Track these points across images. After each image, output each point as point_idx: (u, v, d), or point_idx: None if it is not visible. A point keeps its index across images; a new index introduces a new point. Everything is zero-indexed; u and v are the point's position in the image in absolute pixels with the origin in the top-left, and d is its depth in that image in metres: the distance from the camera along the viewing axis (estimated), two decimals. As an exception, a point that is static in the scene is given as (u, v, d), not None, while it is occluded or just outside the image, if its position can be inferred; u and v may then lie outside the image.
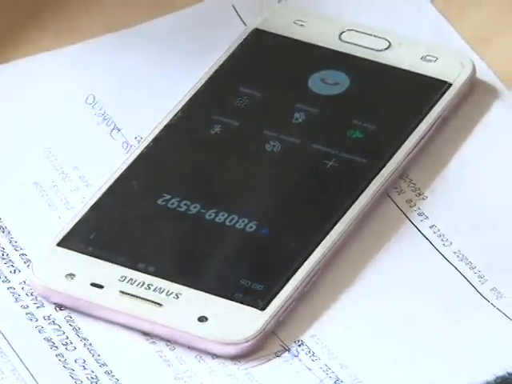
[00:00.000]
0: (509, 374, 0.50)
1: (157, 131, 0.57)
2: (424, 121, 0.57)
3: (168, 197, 0.53)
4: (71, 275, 0.51)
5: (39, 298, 0.51)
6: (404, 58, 0.62)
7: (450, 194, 0.57)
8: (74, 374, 0.50)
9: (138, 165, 0.57)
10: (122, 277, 0.50)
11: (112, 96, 0.63)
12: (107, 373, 0.50)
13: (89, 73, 0.64)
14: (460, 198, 0.57)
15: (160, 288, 0.50)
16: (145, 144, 0.57)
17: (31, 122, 0.62)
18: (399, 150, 0.55)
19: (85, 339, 0.50)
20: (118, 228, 0.54)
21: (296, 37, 0.62)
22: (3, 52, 0.68)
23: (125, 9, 0.70)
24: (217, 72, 0.61)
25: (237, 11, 0.67)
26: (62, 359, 0.49)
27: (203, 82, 0.60)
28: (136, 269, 0.50)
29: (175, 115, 0.58)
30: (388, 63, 0.61)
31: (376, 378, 0.49)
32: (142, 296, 0.49)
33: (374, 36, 0.63)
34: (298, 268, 0.50)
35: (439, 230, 0.55)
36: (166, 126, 0.58)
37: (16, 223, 0.56)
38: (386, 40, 0.62)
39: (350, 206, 0.53)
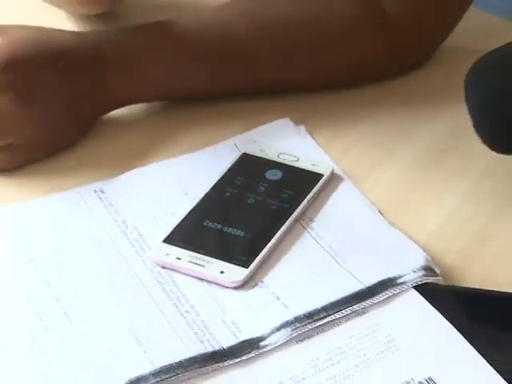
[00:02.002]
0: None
1: (204, 192, 0.79)
2: (312, 191, 0.80)
3: (207, 221, 0.77)
4: (168, 254, 0.74)
5: (155, 266, 0.74)
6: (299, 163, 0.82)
7: (326, 222, 0.78)
8: (171, 299, 0.72)
9: (195, 208, 0.78)
10: (188, 255, 0.74)
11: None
12: (189, 305, 0.71)
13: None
14: (330, 224, 0.78)
15: (204, 259, 0.74)
16: (197, 201, 0.79)
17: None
18: (303, 202, 0.78)
19: (176, 284, 0.73)
20: (187, 234, 0.76)
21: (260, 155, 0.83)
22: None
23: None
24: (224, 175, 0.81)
25: (237, 147, 0.84)
26: (167, 293, 0.72)
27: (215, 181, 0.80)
28: (194, 251, 0.74)
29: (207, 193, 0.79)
30: (298, 166, 0.82)
31: (295, 297, 0.71)
32: (196, 262, 0.73)
33: (289, 154, 0.83)
34: (259, 252, 0.74)
35: (319, 235, 0.77)
36: (203, 197, 0.79)
37: (144, 227, 0.77)
38: (295, 156, 0.83)
39: (285, 222, 0.76)
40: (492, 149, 0.69)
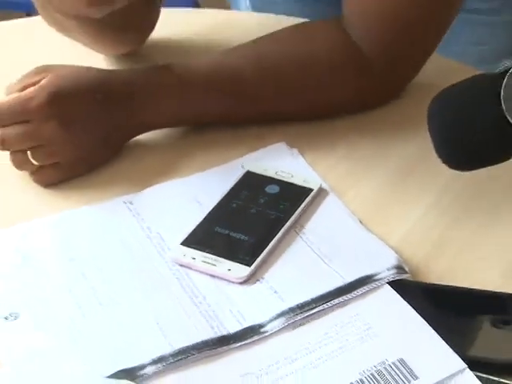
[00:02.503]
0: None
1: (215, 203, 0.79)
2: (304, 203, 0.78)
3: (217, 227, 0.77)
4: (184, 255, 0.73)
5: (174, 264, 0.74)
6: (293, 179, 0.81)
7: (315, 228, 0.78)
8: (187, 292, 0.71)
9: (208, 217, 0.78)
10: (202, 255, 0.73)
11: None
12: (202, 297, 0.71)
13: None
14: (318, 230, 0.77)
15: (214, 259, 0.73)
16: (209, 210, 0.78)
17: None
18: (296, 212, 0.77)
19: (191, 279, 0.72)
20: (200, 238, 0.76)
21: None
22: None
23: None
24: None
25: (242, 166, 0.83)
26: (183, 287, 0.72)
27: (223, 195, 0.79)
28: (206, 252, 0.74)
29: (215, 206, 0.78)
30: (292, 182, 0.80)
31: (289, 291, 0.70)
32: (208, 262, 0.73)
33: (285, 172, 0.81)
34: (260, 254, 0.73)
35: (309, 240, 0.76)
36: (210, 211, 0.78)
37: (165, 232, 0.77)
38: (290, 173, 0.81)
39: (281, 229, 0.76)
40: (450, 167, 0.69)
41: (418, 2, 0.79)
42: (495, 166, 0.67)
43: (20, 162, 0.80)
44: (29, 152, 0.80)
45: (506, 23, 1.00)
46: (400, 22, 0.80)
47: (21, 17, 1.09)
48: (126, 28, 0.88)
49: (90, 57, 0.93)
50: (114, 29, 0.85)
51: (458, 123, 0.66)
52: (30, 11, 1.68)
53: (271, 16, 0.99)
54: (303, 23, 0.89)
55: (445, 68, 0.89)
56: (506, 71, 0.63)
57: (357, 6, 0.83)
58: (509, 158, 0.66)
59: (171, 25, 0.96)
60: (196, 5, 1.62)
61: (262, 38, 0.86)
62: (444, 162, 0.68)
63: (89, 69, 0.84)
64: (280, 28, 0.87)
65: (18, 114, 0.79)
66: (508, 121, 0.63)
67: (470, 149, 0.66)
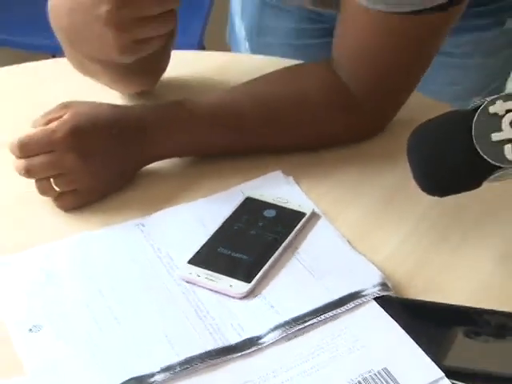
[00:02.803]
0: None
1: (218, 226, 0.77)
2: (298, 226, 0.77)
3: (220, 248, 0.75)
4: (190, 273, 0.72)
5: (181, 281, 0.72)
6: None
7: (308, 249, 0.76)
8: (193, 306, 0.70)
9: (211, 238, 0.76)
10: (206, 273, 0.72)
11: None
12: (206, 311, 0.69)
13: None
14: (311, 251, 0.75)
15: (217, 276, 0.72)
16: (212, 232, 0.76)
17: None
18: (291, 234, 0.76)
19: (196, 295, 0.71)
20: (205, 258, 0.74)
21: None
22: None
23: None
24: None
25: (242, 192, 0.81)
26: (190, 301, 0.70)
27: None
28: (210, 270, 0.73)
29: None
30: (287, 207, 0.79)
31: (285, 306, 0.69)
32: (212, 279, 0.72)
33: (281, 198, 0.80)
34: (258, 272, 0.72)
35: (303, 259, 0.75)
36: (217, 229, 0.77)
37: (174, 252, 0.75)
38: (285, 199, 0.80)
39: (277, 249, 0.74)
40: (428, 193, 0.68)
41: (399, 49, 0.79)
42: (466, 197, 0.67)
43: (44, 189, 0.80)
44: (52, 179, 0.79)
45: (477, 65, 0.99)
46: (384, 65, 0.80)
47: (47, 58, 1.08)
48: (145, 71, 0.87)
49: (107, 94, 0.93)
50: (135, 72, 0.85)
51: (433, 157, 0.66)
52: (55, 52, 1.65)
53: (268, 58, 0.99)
54: (296, 65, 0.89)
55: (423, 105, 0.88)
56: (477, 108, 0.63)
57: (345, 50, 0.82)
58: (480, 186, 0.65)
59: (180, 65, 0.95)
60: (202, 47, 1.60)
61: (259, 77, 0.86)
62: (422, 190, 0.67)
63: (105, 105, 0.83)
64: (275, 69, 0.87)
65: (42, 145, 0.78)
66: (478, 152, 0.63)
67: (444, 181, 0.67)
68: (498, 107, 0.63)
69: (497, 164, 0.63)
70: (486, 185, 0.65)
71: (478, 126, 0.63)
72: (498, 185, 0.67)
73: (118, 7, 0.71)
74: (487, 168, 0.64)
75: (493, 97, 0.64)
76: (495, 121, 0.63)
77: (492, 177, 0.65)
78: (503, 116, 0.63)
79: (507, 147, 0.62)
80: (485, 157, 0.63)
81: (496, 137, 0.63)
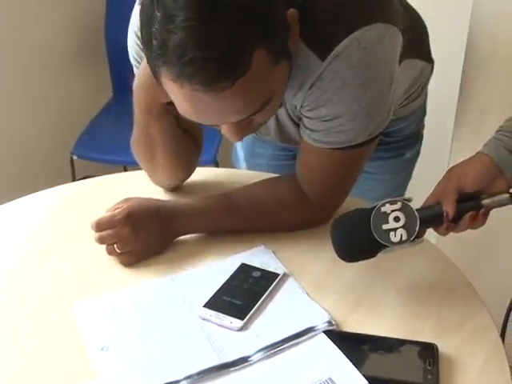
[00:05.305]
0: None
1: (222, 283, 0.76)
2: (274, 282, 0.76)
3: (224, 296, 0.75)
4: (205, 313, 0.72)
5: (198, 318, 0.72)
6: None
7: (281, 297, 0.74)
8: (206, 335, 0.69)
9: (218, 291, 0.76)
10: (215, 313, 0.72)
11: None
12: (215, 338, 0.68)
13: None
14: (283, 298, 0.74)
15: (222, 315, 0.72)
16: (219, 287, 0.74)
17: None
18: (270, 287, 0.75)
19: (208, 327, 0.69)
20: (214, 303, 0.74)
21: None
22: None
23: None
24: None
25: (239, 260, 0.80)
26: (204, 331, 0.69)
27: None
28: (217, 311, 0.72)
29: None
30: (268, 269, 0.77)
31: (266, 335, 0.68)
32: (218, 317, 0.72)
33: (264, 264, 0.78)
34: (249, 312, 0.72)
35: (275, 302, 0.74)
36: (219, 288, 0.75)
37: (195, 299, 0.73)
38: (267, 265, 0.79)
39: (261, 297, 0.73)
40: (342, 259, 0.71)
41: (335, 171, 0.80)
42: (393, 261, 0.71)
43: (110, 251, 0.81)
44: (115, 245, 0.81)
45: (387, 180, 1.01)
46: (328, 182, 0.82)
47: (119, 171, 1.08)
48: (185, 165, 0.88)
49: (150, 187, 0.93)
50: (183, 167, 0.88)
51: (345, 237, 0.70)
52: (127, 165, 1.64)
53: (259, 173, 0.97)
54: (275, 177, 0.89)
55: (348, 202, 0.86)
56: (375, 207, 0.68)
57: (301, 170, 0.83)
58: (375, 256, 0.70)
59: (196, 176, 0.95)
60: (216, 163, 1.57)
61: (252, 184, 0.87)
62: (338, 257, 0.71)
63: (152, 199, 0.85)
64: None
65: (109, 223, 0.80)
66: (374, 236, 0.68)
67: (352, 252, 0.70)
68: (387, 208, 0.67)
69: (385, 243, 0.68)
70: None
71: (375, 218, 0.68)
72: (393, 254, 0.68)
73: None
74: (380, 245, 0.68)
75: (384, 201, 0.68)
76: (385, 216, 0.67)
77: (383, 251, 0.69)
78: (389, 214, 0.68)
79: (392, 233, 0.68)
80: (378, 239, 0.68)
81: (385, 226, 0.68)
